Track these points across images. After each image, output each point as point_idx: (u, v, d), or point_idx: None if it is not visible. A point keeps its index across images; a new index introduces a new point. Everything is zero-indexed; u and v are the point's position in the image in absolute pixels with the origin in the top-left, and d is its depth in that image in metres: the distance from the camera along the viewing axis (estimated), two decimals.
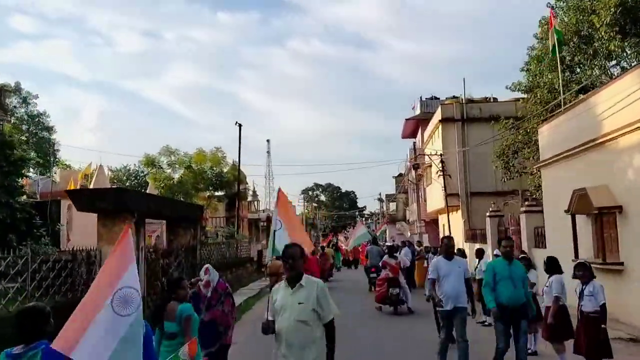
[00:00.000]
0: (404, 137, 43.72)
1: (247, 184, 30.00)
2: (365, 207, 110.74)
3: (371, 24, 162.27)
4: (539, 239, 16.37)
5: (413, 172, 37.44)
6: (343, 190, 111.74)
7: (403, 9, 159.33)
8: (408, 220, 53.32)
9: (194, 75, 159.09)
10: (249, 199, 35.29)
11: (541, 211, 16.89)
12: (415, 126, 39.40)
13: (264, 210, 42.28)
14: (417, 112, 38.72)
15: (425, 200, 35.98)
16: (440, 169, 26.66)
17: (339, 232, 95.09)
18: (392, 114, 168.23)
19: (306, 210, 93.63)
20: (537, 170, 17.71)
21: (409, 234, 51.06)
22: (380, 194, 60.90)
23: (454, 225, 26.99)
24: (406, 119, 38.76)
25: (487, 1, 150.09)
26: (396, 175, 59.45)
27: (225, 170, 26.42)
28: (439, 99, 38.31)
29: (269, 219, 34.84)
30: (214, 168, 25.88)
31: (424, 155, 28.23)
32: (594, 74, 19.65)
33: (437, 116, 29.12)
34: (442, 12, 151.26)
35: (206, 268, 6.53)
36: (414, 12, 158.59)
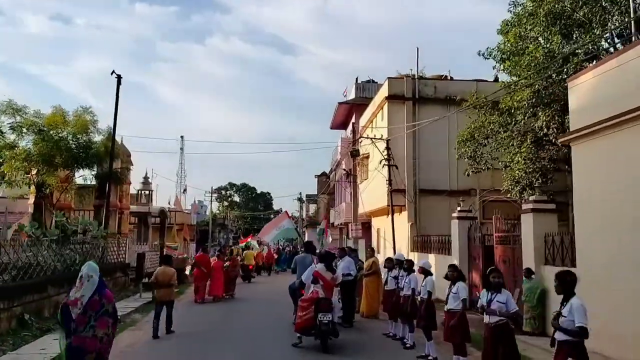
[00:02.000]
0: (333, 126, 37.89)
1: (129, 163, 22.40)
2: (280, 209, 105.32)
3: (293, 28, 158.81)
4: (554, 252, 10.81)
5: (343, 166, 31.58)
6: (258, 192, 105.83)
7: (325, 17, 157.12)
8: (333, 223, 47.63)
9: (106, 65, 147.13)
10: (137, 186, 27.67)
11: (556, 210, 11.40)
12: (348, 112, 33.65)
13: (168, 206, 34.99)
14: (352, 96, 33.00)
15: (357, 199, 30.26)
16: (385, 156, 20.85)
17: (252, 235, 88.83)
18: (313, 119, 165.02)
19: (217, 210, 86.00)
20: (562, 146, 12.23)
21: (330, 239, 45.42)
22: (300, 194, 54.67)
23: (398, 230, 21.30)
24: (339, 103, 32.87)
25: (403, 13, 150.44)
26: (319, 174, 53.63)
27: (96, 140, 18.87)
28: (376, 82, 32.86)
29: (164, 215, 27.59)
30: (79, 136, 18.29)
31: (365, 138, 22.28)
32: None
33: (383, 92, 23.37)
34: (361, 23, 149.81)
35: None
36: (335, 21, 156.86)
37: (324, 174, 52.98)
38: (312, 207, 56.94)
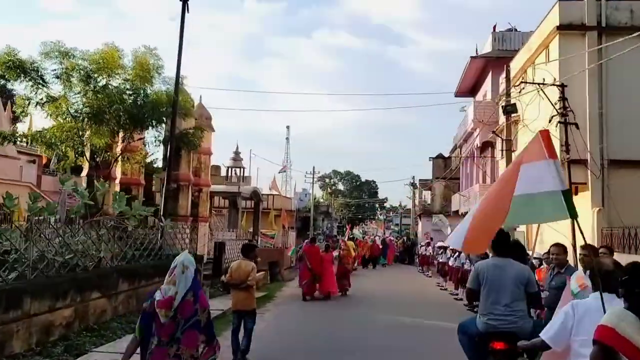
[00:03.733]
0: (460, 92, 31.10)
1: (210, 128, 17.56)
2: (386, 198, 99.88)
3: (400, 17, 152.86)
4: None
5: (475, 139, 24.86)
6: (363, 180, 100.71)
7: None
8: (449, 212, 40.88)
9: (220, 68, 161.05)
10: (226, 163, 22.98)
11: None
12: (481, 71, 26.83)
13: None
14: (488, 49, 26.10)
15: (495, 176, 23.56)
16: (559, 109, 14.10)
17: (356, 225, 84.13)
18: (419, 109, 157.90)
19: (322, 199, 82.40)
20: None
21: (449, 230, 38.70)
22: (413, 178, 48.16)
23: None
24: (471, 57, 26.08)
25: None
26: (434, 156, 46.75)
27: (164, 92, 14.09)
28: (519, 32, 25.69)
29: (257, 197, 22.87)
30: (139, 84, 13.67)
31: (527, 84, 15.44)
32: None
33: (551, 22, 16.49)
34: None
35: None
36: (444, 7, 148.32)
37: (440, 156, 46.09)
38: (426, 195, 50.25)
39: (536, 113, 15.24)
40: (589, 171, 14.95)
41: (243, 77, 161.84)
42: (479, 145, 24.67)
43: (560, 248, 6.87)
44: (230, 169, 23.42)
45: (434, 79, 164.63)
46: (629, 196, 14.33)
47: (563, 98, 14.25)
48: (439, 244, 20.45)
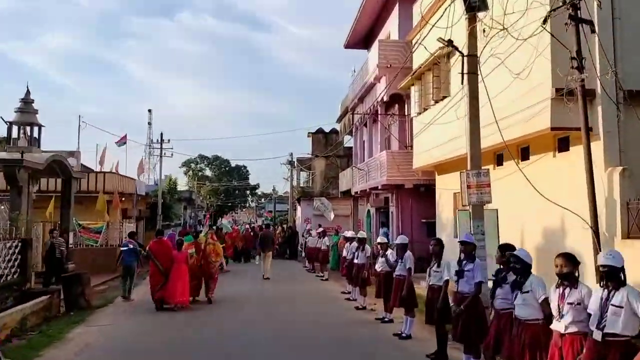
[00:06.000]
0: (352, 42, 24.83)
1: None
2: (258, 184, 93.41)
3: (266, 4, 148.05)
4: None
5: (380, 92, 18.68)
6: (233, 165, 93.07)
7: None
8: (333, 194, 35.02)
9: (73, 42, 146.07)
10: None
11: None
12: (380, 10, 20.72)
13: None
14: None
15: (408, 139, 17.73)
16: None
17: (226, 214, 76.81)
18: (284, 97, 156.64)
19: (187, 186, 73.47)
20: None
21: (332, 215, 32.83)
22: (291, 155, 41.47)
23: (565, 184, 8.90)
24: None
25: None
26: (313, 131, 40.46)
27: None
28: None
29: (64, 171, 14.51)
30: None
31: None
32: None
33: None
34: None
35: None
36: None
37: (320, 130, 39.99)
38: (306, 177, 44.02)
39: (516, 10, 9.07)
40: (599, 109, 9.18)
41: (103, 59, 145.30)
42: (385, 100, 18.50)
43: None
44: (11, 127, 14.55)
45: (303, 68, 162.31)
46: None
47: None
48: (348, 233, 13.88)
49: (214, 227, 24.97)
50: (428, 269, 7.19)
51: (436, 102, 14.81)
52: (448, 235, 15.95)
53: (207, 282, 13.40)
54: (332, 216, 31.98)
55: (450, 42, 9.30)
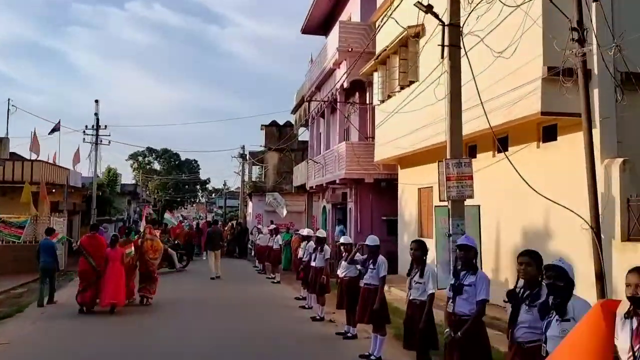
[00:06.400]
0: (309, 27, 23.29)
1: None
2: (209, 178, 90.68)
3: None
4: None
5: (340, 78, 17.25)
6: (183, 159, 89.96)
7: None
8: (285, 190, 33.45)
9: (16, 29, 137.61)
10: None
11: None
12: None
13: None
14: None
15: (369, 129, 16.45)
16: None
17: (175, 209, 73.94)
18: (237, 92, 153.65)
19: (133, 180, 70.34)
20: None
21: (285, 211, 31.25)
22: (243, 148, 39.53)
23: (553, 181, 7.75)
24: None
25: None
26: (266, 124, 38.67)
27: None
28: None
29: None
30: None
31: None
32: None
33: None
34: None
35: None
36: None
37: (274, 123, 38.31)
38: (257, 171, 42.16)
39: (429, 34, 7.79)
40: (595, 92, 8.03)
41: (46, 46, 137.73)
42: (345, 87, 17.08)
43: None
44: None
45: (255, 62, 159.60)
46: None
47: None
48: (305, 231, 12.24)
49: (159, 221, 22.94)
50: (408, 280, 5.74)
51: (402, 87, 13.54)
52: (411, 235, 14.72)
53: (145, 282, 12.02)
54: (285, 212, 30.39)
55: (429, 8, 7.89)
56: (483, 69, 8.57)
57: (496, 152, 10.71)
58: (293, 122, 34.85)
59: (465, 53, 7.91)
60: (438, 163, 7.87)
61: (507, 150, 10.19)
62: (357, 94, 18.38)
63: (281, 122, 38.33)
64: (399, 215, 15.69)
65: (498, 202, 10.03)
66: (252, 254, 24.09)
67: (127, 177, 68.41)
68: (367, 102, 17.24)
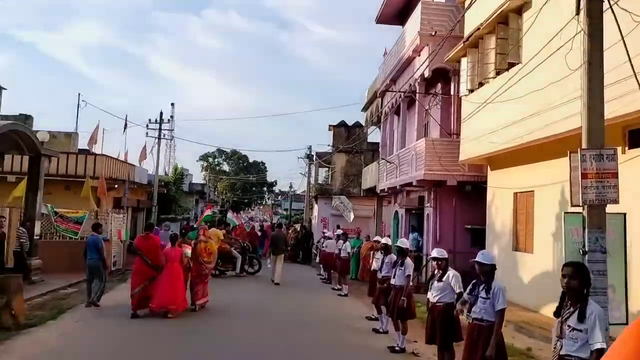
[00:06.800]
0: (383, 17, 21.45)
1: None
2: (276, 181, 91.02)
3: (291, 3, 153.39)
4: None
5: (420, 66, 15.30)
6: (251, 160, 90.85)
7: None
8: (353, 193, 31.78)
9: (101, 34, 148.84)
10: None
11: None
12: None
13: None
14: None
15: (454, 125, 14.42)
16: None
17: (241, 211, 74.33)
18: (307, 98, 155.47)
19: (203, 180, 71.51)
20: None
21: (352, 216, 29.57)
22: (309, 148, 38.26)
23: None
24: None
25: None
26: (335, 124, 37.13)
27: None
28: None
29: (34, 148, 11.62)
30: None
31: None
32: None
33: None
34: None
35: None
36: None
37: (343, 123, 36.71)
38: (324, 173, 40.64)
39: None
40: None
41: (128, 52, 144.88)
42: (426, 76, 15.08)
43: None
44: None
45: (326, 69, 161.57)
46: None
47: None
48: (384, 240, 10.32)
49: (224, 222, 21.88)
50: (557, 324, 3.85)
51: (498, 73, 11.42)
52: (503, 248, 12.53)
53: (194, 286, 11.07)
54: (352, 217, 28.67)
55: None
56: (628, 31, 6.42)
57: (626, 148, 8.43)
58: (363, 122, 33.07)
59: (611, 6, 5.83)
60: (570, 155, 5.81)
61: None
62: (439, 84, 16.31)
63: (350, 124, 36.78)
64: (487, 224, 13.50)
65: None
66: (317, 260, 22.50)
67: (198, 177, 69.48)
68: (452, 93, 15.16)
